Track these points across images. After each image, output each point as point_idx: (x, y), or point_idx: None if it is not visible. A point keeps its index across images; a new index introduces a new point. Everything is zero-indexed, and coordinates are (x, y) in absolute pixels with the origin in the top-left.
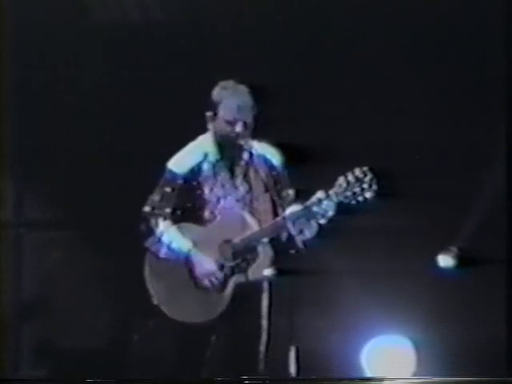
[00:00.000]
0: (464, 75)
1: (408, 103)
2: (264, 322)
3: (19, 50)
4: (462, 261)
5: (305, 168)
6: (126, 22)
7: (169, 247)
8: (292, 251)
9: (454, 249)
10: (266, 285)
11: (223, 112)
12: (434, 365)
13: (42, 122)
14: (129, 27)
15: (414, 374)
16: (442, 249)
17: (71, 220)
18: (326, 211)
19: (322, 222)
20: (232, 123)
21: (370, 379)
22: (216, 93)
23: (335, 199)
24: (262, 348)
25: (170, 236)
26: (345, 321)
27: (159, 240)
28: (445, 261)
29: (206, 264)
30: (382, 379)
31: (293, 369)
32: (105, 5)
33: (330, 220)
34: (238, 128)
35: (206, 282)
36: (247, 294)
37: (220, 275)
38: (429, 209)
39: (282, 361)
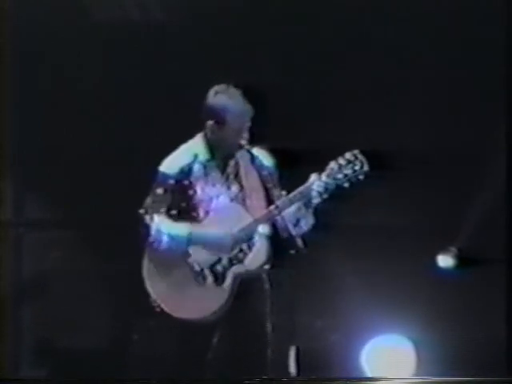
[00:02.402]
0: (464, 75)
1: (407, 105)
2: (264, 323)
3: (19, 50)
4: (462, 261)
5: (295, 171)
6: (126, 21)
7: (169, 235)
8: (292, 251)
9: (454, 249)
10: (265, 285)
11: (232, 121)
12: (433, 365)
13: (41, 122)
14: (129, 27)
15: (414, 374)
16: (442, 249)
17: (71, 220)
18: (319, 193)
19: (316, 202)
20: (240, 131)
21: (370, 379)
22: (213, 99)
23: (327, 181)
24: (262, 348)
25: (167, 225)
26: (345, 321)
27: (158, 232)
28: (445, 261)
29: (213, 234)
30: (381, 379)
31: (293, 369)
32: (105, 4)
33: (331, 220)
34: (245, 135)
35: (210, 272)
36: (247, 294)
37: (229, 244)
38: (429, 209)
39: (282, 361)
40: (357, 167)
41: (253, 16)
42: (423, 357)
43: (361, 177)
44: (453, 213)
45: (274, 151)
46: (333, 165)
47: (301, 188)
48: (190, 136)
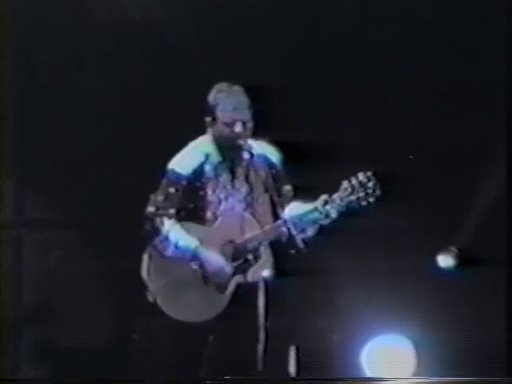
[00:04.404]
0: (464, 76)
1: (407, 102)
2: (264, 322)
3: (19, 50)
4: (462, 261)
5: (304, 166)
6: (126, 21)
7: (176, 245)
8: (292, 251)
9: (454, 249)
10: (265, 285)
11: (221, 115)
12: (433, 365)
13: (42, 122)
14: (129, 27)
15: (414, 374)
16: (442, 249)
17: (71, 220)
18: (329, 214)
19: (324, 223)
20: (231, 124)
21: (369, 379)
22: (212, 97)
23: (339, 203)
24: (262, 348)
25: (177, 234)
26: (345, 321)
27: (166, 239)
28: (445, 261)
29: (214, 261)
30: (381, 379)
31: (293, 369)
32: (105, 4)
33: (331, 221)
34: (237, 129)
35: (215, 280)
36: (247, 293)
37: (228, 272)
38: (429, 209)
39: (282, 361)
40: (369, 190)
41: (252, 15)
42: (423, 357)
43: (371, 200)
44: (453, 213)
45: (279, 145)
46: (346, 185)
47: (311, 207)
48: (191, 136)
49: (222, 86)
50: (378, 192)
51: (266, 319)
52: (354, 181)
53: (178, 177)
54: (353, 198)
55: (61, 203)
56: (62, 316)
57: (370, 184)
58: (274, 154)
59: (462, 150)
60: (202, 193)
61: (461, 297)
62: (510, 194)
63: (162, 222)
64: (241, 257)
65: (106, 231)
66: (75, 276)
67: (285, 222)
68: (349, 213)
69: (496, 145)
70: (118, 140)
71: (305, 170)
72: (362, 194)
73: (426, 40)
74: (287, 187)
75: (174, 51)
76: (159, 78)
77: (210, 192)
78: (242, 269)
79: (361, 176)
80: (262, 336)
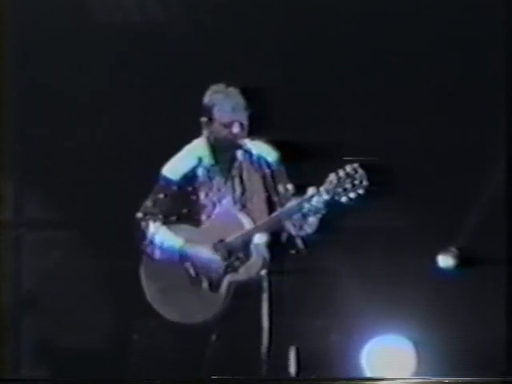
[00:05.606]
0: (464, 76)
1: (407, 103)
2: (264, 322)
3: (19, 50)
4: (462, 261)
5: (300, 164)
6: (126, 22)
7: (161, 247)
8: (292, 251)
9: (454, 249)
10: (265, 285)
11: (219, 115)
12: (433, 365)
13: (41, 123)
14: (129, 27)
15: (414, 374)
16: (442, 249)
17: (71, 220)
18: (318, 208)
19: (315, 218)
20: (228, 125)
21: (369, 379)
22: (208, 97)
23: (326, 196)
24: (262, 348)
25: (161, 236)
26: (345, 321)
27: (151, 242)
28: (445, 261)
29: (203, 256)
30: (381, 379)
31: (293, 369)
32: (105, 5)
33: (330, 220)
34: (235, 129)
35: (207, 277)
36: (247, 294)
37: (220, 268)
38: (428, 209)
39: (282, 361)
40: (356, 181)
41: (250, 17)
42: (423, 357)
43: (360, 191)
44: (453, 213)
45: (276, 144)
46: (332, 177)
47: (300, 200)
48: (190, 137)
49: (219, 86)
50: (366, 183)
51: (268, 319)
52: (341, 173)
53: (167, 182)
54: (339, 189)
55: (61, 203)
56: (62, 316)
57: (357, 175)
58: (270, 154)
59: (462, 150)
60: (194, 197)
61: (461, 297)
62: (510, 194)
63: (147, 225)
64: (234, 254)
65: (106, 231)
66: (75, 276)
67: (277, 215)
68: (349, 211)
69: (496, 145)
70: (118, 140)
71: (302, 169)
72: (348, 186)
73: (426, 40)
74: (285, 186)
75: (174, 52)
76: (158, 79)
77: (202, 196)
78: (235, 267)
79: (348, 168)
80: (262, 336)
